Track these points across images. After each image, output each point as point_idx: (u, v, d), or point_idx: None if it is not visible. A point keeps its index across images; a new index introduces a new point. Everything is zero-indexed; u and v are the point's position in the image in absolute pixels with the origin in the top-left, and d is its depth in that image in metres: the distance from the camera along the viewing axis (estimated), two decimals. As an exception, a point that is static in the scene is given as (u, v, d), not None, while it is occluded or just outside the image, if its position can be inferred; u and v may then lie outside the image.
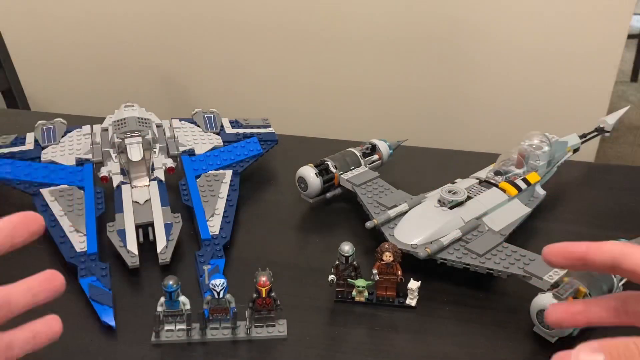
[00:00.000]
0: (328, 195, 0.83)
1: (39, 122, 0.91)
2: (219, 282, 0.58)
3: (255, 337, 0.60)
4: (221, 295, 0.58)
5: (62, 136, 0.89)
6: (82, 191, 0.78)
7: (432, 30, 1.47)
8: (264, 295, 0.58)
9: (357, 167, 0.84)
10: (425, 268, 0.67)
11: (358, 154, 0.85)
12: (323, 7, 1.51)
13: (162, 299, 0.59)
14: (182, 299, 0.59)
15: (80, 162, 0.83)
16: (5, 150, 0.86)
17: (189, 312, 0.60)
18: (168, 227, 0.72)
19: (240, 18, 1.58)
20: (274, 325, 0.61)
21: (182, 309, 0.59)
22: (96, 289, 0.64)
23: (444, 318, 0.64)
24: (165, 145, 0.86)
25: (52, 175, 0.80)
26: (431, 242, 0.68)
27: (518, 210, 0.76)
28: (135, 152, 0.79)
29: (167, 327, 0.60)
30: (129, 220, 0.72)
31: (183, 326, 0.60)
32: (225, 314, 0.60)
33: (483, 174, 0.81)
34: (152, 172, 0.80)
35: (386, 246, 0.63)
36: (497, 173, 0.80)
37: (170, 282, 0.58)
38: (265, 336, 0.60)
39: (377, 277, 0.63)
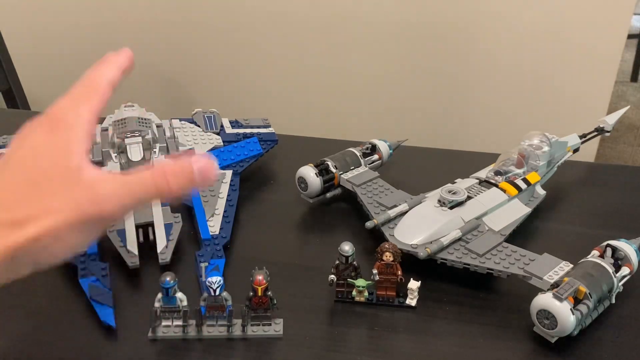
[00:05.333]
0: (328, 195, 0.83)
1: (39, 122, 0.91)
2: (215, 280, 0.58)
3: (251, 335, 0.60)
4: (217, 293, 0.58)
5: (62, 136, 0.89)
6: (82, 191, 0.78)
7: (432, 30, 1.47)
8: (260, 294, 0.59)
9: (357, 167, 0.84)
10: (425, 268, 0.67)
11: (358, 154, 0.85)
12: (323, 7, 1.51)
13: (159, 295, 0.59)
14: (179, 295, 0.60)
15: (80, 162, 0.83)
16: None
17: (186, 308, 0.60)
18: (168, 227, 0.72)
19: (240, 18, 1.58)
20: (270, 324, 0.61)
21: (179, 305, 0.60)
22: (96, 289, 0.64)
23: (444, 318, 0.64)
24: (165, 145, 0.86)
25: (52, 175, 0.80)
26: (431, 242, 0.68)
27: (518, 210, 0.76)
28: (135, 152, 0.79)
29: (164, 323, 0.60)
30: (129, 220, 0.72)
31: (180, 322, 0.60)
32: (222, 311, 0.60)
33: (483, 174, 0.81)
34: (152, 172, 0.80)
35: (386, 246, 0.63)
36: (497, 173, 0.80)
37: (167, 278, 0.58)
38: (261, 335, 0.60)
39: (377, 277, 0.63)
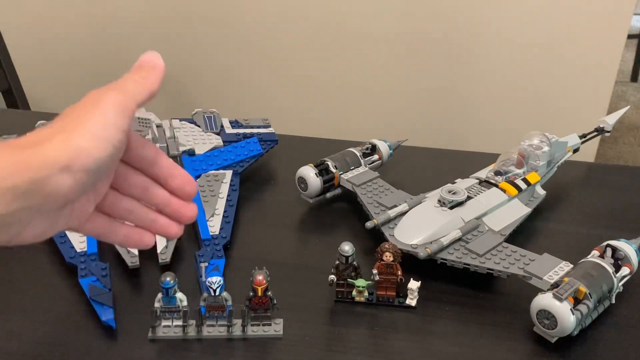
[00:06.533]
0: (328, 195, 0.83)
1: (39, 122, 0.91)
2: (215, 280, 0.58)
3: (251, 335, 0.60)
4: (217, 293, 0.58)
5: (62, 136, 0.89)
6: (82, 191, 0.78)
7: (432, 30, 1.47)
8: (259, 294, 0.59)
9: (357, 167, 0.84)
10: (425, 268, 0.67)
11: (358, 154, 0.85)
12: (323, 7, 1.51)
13: (159, 295, 0.59)
14: (179, 295, 0.60)
15: (80, 162, 0.83)
16: (5, 150, 0.86)
17: (186, 308, 0.60)
18: (168, 227, 0.72)
19: (240, 18, 1.58)
20: (269, 324, 0.61)
21: (179, 305, 0.60)
22: (96, 289, 0.64)
23: (444, 318, 0.64)
24: (165, 145, 0.86)
25: (52, 175, 0.80)
26: (431, 242, 0.68)
27: (518, 210, 0.76)
28: (135, 152, 0.79)
29: (164, 323, 0.61)
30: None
31: (180, 322, 0.60)
32: (222, 311, 0.60)
33: (483, 174, 0.81)
34: (152, 172, 0.80)
35: (386, 246, 0.63)
36: (497, 173, 0.80)
37: (167, 278, 0.58)
38: (261, 335, 0.60)
39: (377, 277, 0.63)
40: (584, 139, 0.91)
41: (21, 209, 0.34)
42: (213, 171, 0.83)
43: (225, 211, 0.76)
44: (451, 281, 0.68)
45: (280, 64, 1.62)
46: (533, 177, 0.79)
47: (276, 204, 0.84)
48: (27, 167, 0.33)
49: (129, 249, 0.69)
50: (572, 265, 0.63)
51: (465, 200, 0.73)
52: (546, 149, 0.81)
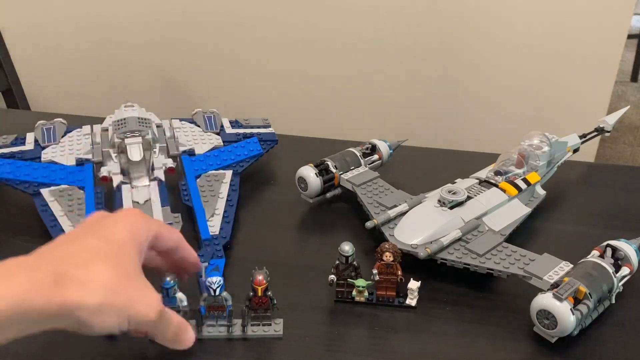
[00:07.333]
0: (328, 195, 0.83)
1: (39, 122, 0.91)
2: (215, 280, 0.58)
3: (251, 335, 0.60)
4: (217, 293, 0.58)
5: (62, 136, 0.89)
6: (82, 191, 0.78)
7: (432, 30, 1.47)
8: (259, 294, 0.59)
9: (357, 167, 0.84)
10: (425, 268, 0.68)
11: (358, 154, 0.85)
12: (323, 7, 1.51)
13: (159, 295, 0.59)
14: (180, 295, 0.60)
15: (81, 162, 0.83)
16: (5, 150, 0.86)
17: (186, 308, 0.60)
18: (168, 227, 0.72)
19: (240, 18, 1.58)
20: (270, 324, 0.61)
21: (179, 305, 0.60)
22: (96, 289, 0.63)
23: (444, 318, 0.64)
24: (165, 145, 0.86)
25: (52, 175, 0.80)
26: (431, 242, 0.68)
27: (518, 210, 0.76)
28: (135, 152, 0.79)
29: None
30: (129, 220, 0.72)
31: None
32: (222, 311, 0.60)
33: (483, 174, 0.81)
34: (152, 172, 0.80)
35: (386, 246, 0.63)
36: (497, 173, 0.80)
37: (167, 278, 0.58)
38: (261, 335, 0.60)
39: (377, 277, 0.63)
40: (584, 139, 0.91)
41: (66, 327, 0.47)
42: (213, 171, 0.83)
43: (225, 211, 0.76)
44: (451, 281, 0.68)
45: (280, 64, 1.62)
46: (533, 177, 0.79)
47: (276, 204, 0.84)
48: (68, 313, 0.46)
49: None
50: (572, 265, 0.63)
51: (465, 200, 0.73)
52: (546, 149, 0.81)
